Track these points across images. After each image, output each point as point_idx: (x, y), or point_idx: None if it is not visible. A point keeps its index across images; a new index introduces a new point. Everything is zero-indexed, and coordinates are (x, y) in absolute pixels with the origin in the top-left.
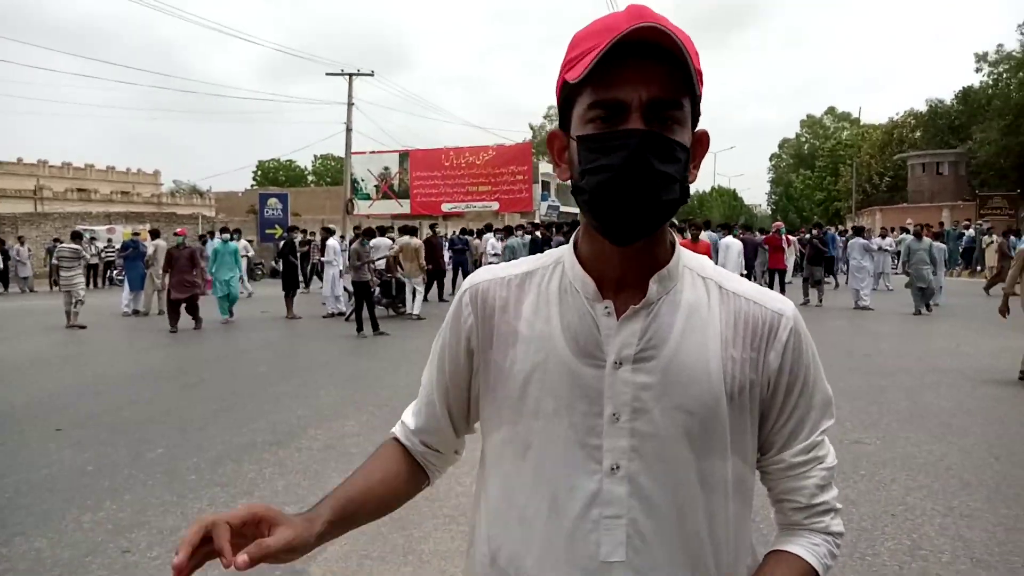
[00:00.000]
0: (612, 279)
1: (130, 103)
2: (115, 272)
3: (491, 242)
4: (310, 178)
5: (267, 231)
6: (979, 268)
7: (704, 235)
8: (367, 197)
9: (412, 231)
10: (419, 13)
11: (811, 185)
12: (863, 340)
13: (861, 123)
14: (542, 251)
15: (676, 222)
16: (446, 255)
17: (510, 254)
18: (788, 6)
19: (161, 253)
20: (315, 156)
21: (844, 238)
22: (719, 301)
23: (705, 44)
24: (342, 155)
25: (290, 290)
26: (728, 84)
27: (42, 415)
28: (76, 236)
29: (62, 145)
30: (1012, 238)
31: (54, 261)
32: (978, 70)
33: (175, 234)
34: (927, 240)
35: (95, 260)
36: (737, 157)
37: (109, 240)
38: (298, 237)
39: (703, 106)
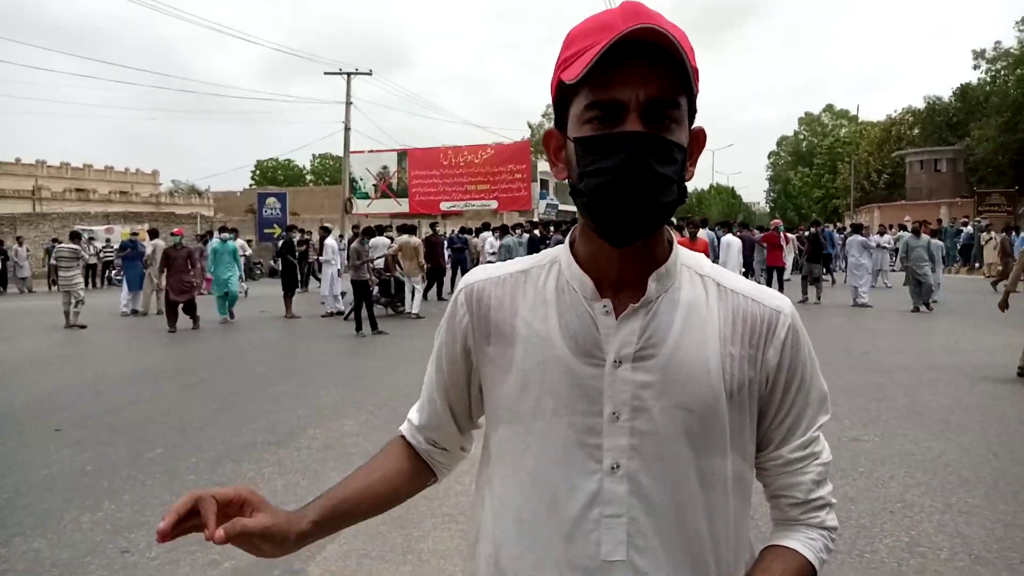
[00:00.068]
0: (610, 278)
1: (129, 103)
2: (114, 272)
3: (489, 240)
4: (309, 177)
5: (265, 231)
6: (977, 265)
7: (702, 233)
8: (366, 196)
9: (411, 230)
10: (418, 12)
11: (809, 183)
12: (862, 337)
13: (859, 121)
14: (539, 250)
15: (674, 220)
16: (446, 254)
17: (505, 253)
18: (786, 5)
19: (159, 253)
20: (313, 155)
21: (843, 235)
22: (717, 299)
23: (703, 43)
24: (341, 154)
25: (289, 290)
26: (726, 82)
27: (41, 415)
28: (75, 236)
29: (61, 145)
30: (1014, 235)
31: (53, 261)
32: (976, 67)
33: (172, 234)
34: (925, 237)
35: (94, 260)
36: (735, 155)
37: (108, 240)
38: (296, 236)
39: (700, 103)
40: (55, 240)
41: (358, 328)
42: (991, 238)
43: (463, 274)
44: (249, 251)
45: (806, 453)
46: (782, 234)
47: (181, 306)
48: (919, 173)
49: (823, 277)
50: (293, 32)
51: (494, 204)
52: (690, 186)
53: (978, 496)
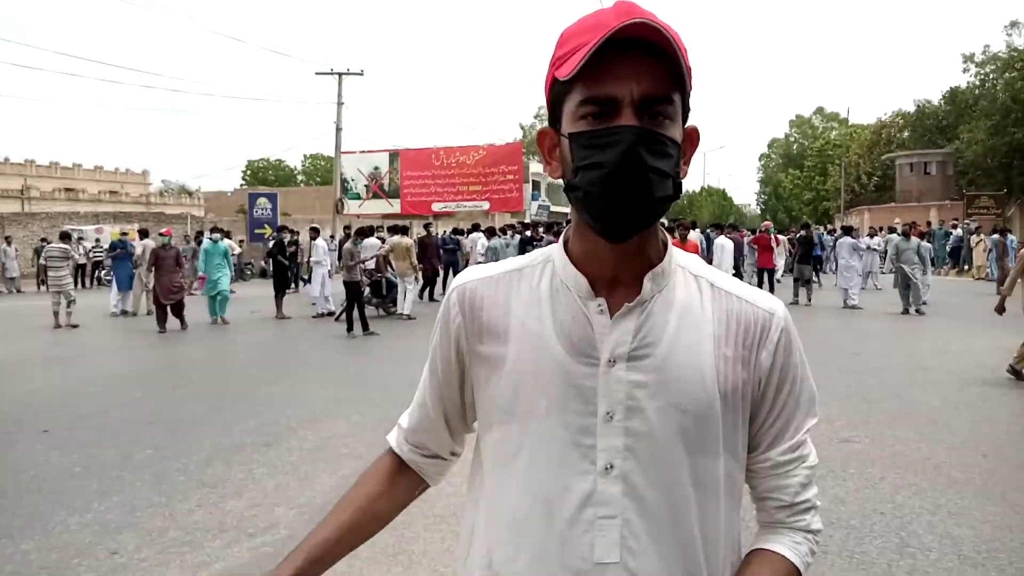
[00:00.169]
0: (605, 277)
1: (119, 102)
2: (103, 272)
3: (481, 241)
4: (300, 177)
5: (256, 231)
6: (967, 267)
7: (692, 235)
8: (357, 197)
9: (403, 230)
10: (411, 12)
11: (800, 185)
12: (852, 339)
13: (850, 123)
14: (522, 252)
15: (665, 221)
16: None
17: (492, 256)
18: (777, 5)
19: (149, 253)
20: (305, 155)
21: (833, 237)
22: (711, 299)
23: (695, 42)
24: (332, 154)
25: (280, 290)
26: (718, 83)
27: (29, 416)
28: (65, 236)
29: (50, 144)
30: (1011, 237)
31: (42, 261)
32: (965, 71)
33: (160, 234)
34: (915, 239)
35: (83, 260)
36: (727, 157)
37: (97, 240)
38: (287, 237)
39: (691, 104)
40: (44, 240)
41: (349, 329)
42: (981, 240)
43: (455, 275)
44: (238, 250)
45: (794, 456)
46: (773, 236)
47: (170, 307)
48: (909, 176)
49: (814, 279)
50: (283, 31)
51: (486, 205)
52: (683, 186)
53: (967, 497)
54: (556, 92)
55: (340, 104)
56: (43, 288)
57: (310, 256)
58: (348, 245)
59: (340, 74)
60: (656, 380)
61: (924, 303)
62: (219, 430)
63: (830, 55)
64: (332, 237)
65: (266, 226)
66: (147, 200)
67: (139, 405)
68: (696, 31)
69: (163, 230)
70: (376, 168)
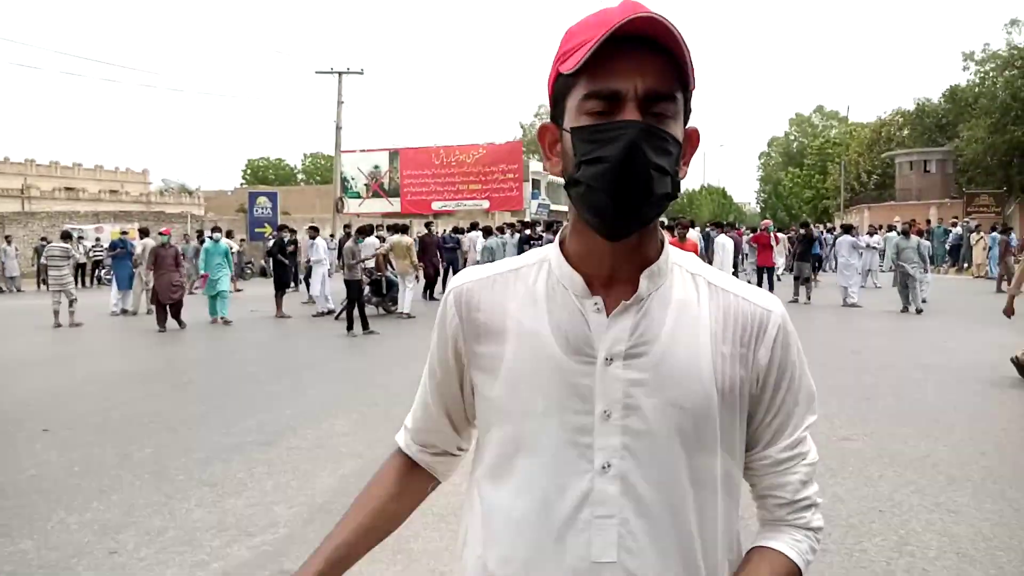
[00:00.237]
0: (601, 276)
1: (119, 101)
2: (103, 271)
3: (479, 240)
4: (300, 177)
5: (256, 230)
6: (966, 265)
7: (691, 234)
8: (357, 196)
9: (403, 229)
10: (411, 11)
11: (800, 183)
12: (851, 337)
13: (849, 122)
14: (521, 251)
15: (665, 220)
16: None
17: (488, 255)
18: (777, 4)
19: (149, 252)
20: (305, 154)
21: (833, 236)
22: (709, 297)
23: (695, 41)
24: (332, 153)
25: (280, 289)
26: (718, 82)
27: (29, 415)
28: (66, 236)
29: (50, 144)
30: (1013, 235)
31: (43, 260)
32: (965, 69)
33: (160, 233)
34: (915, 238)
35: (83, 259)
36: (726, 155)
37: (97, 239)
38: (287, 236)
39: (693, 100)
40: (44, 239)
41: (349, 327)
42: (981, 238)
43: (455, 274)
44: (236, 248)
45: (794, 453)
46: (772, 234)
47: (168, 307)
48: (909, 174)
49: (812, 277)
50: (283, 29)
51: (486, 204)
52: (682, 186)
53: (966, 495)
54: (560, 87)
55: (340, 103)
56: (44, 287)
57: (310, 256)
58: (349, 244)
59: (340, 73)
60: (653, 378)
61: (924, 301)
62: (219, 429)
63: (830, 54)
64: (332, 236)
65: (266, 225)
66: (147, 199)
67: (139, 404)
68: (697, 29)
69: (162, 229)
70: (376, 167)
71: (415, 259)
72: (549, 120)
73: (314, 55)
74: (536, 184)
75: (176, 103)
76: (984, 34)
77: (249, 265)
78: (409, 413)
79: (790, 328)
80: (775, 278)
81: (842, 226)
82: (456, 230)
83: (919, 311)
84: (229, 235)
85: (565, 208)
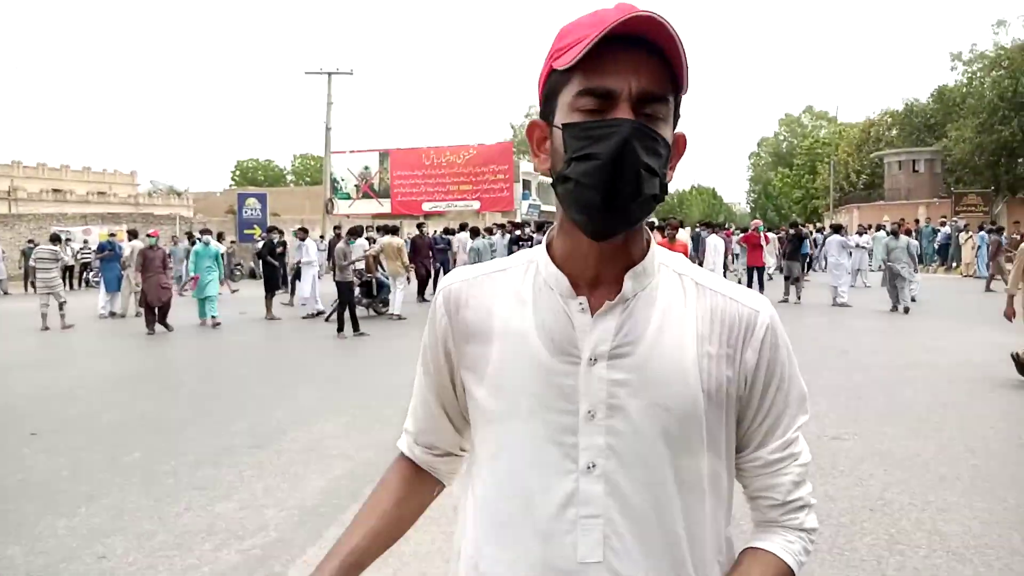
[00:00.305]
0: (587, 276)
1: (107, 102)
2: (91, 274)
3: (467, 242)
4: (289, 178)
5: (246, 231)
6: (955, 264)
7: (682, 235)
8: (347, 197)
9: (393, 230)
10: (401, 11)
11: (789, 183)
12: (841, 337)
13: (838, 122)
14: (511, 251)
15: (655, 220)
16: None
17: (475, 256)
18: (766, 6)
19: (137, 254)
20: (294, 156)
21: (823, 235)
22: (695, 298)
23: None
24: (322, 154)
25: (270, 291)
26: (708, 82)
27: (16, 419)
28: (55, 239)
29: (37, 145)
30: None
31: (32, 263)
32: (953, 69)
33: (148, 235)
34: (904, 238)
35: (71, 262)
36: (716, 155)
37: (85, 241)
38: (276, 237)
39: (684, 102)
40: (31, 241)
41: (340, 329)
42: (970, 237)
43: (446, 275)
44: (225, 249)
45: (785, 454)
46: (762, 234)
47: (156, 310)
48: (897, 174)
49: (803, 277)
50: (274, 30)
51: (476, 204)
52: (671, 187)
53: (956, 493)
54: (552, 83)
55: (330, 104)
56: (32, 290)
57: (300, 258)
58: (341, 245)
59: (330, 74)
60: (638, 378)
61: (913, 300)
62: (208, 432)
63: (819, 55)
64: (322, 237)
65: (255, 227)
66: (135, 201)
67: (127, 407)
68: (687, 29)
69: (150, 231)
70: (366, 168)
71: (406, 260)
72: (538, 117)
73: (303, 56)
74: (527, 185)
75: (164, 104)
76: (971, 35)
77: (239, 267)
78: (408, 417)
79: (779, 329)
80: (765, 278)
81: (831, 226)
82: (447, 231)
83: (906, 310)
84: (220, 237)
85: (555, 209)
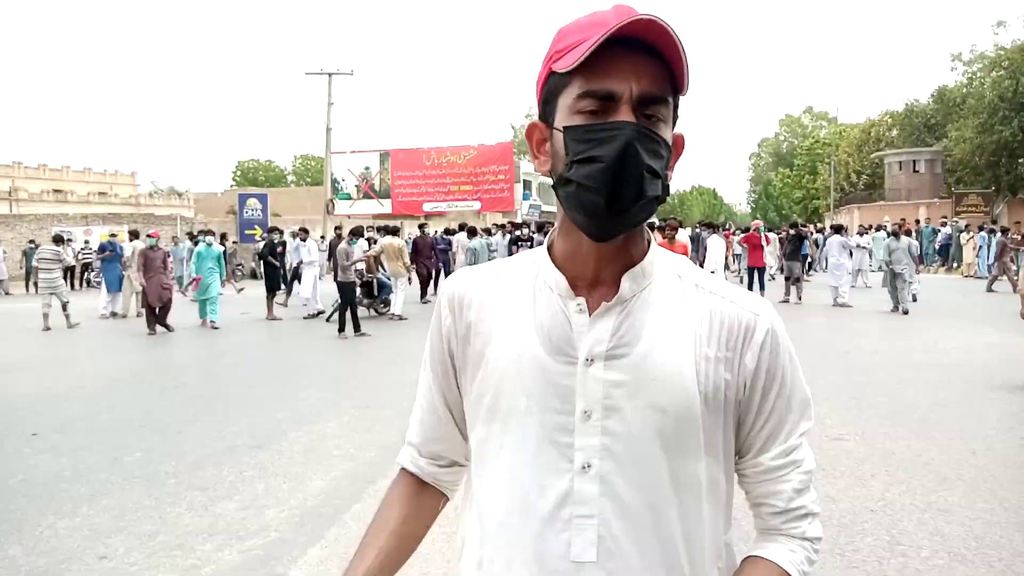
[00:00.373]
0: (586, 277)
1: (108, 103)
2: (92, 274)
3: (465, 240)
4: (290, 178)
5: (246, 232)
6: (955, 264)
7: (682, 235)
8: (348, 197)
9: (394, 231)
10: (401, 12)
11: (790, 183)
12: (842, 337)
13: (839, 122)
14: (511, 251)
15: (656, 220)
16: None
17: (471, 256)
18: (767, 5)
19: (137, 254)
20: (295, 156)
21: (824, 236)
22: (694, 300)
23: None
24: (322, 155)
25: (271, 291)
26: (709, 83)
27: (17, 419)
28: (58, 240)
29: (39, 146)
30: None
31: (34, 263)
32: (953, 69)
33: (148, 235)
34: (905, 239)
35: (72, 262)
36: (717, 156)
37: (86, 242)
38: (277, 238)
39: (683, 104)
40: (32, 242)
41: (341, 329)
42: (971, 238)
43: (447, 275)
44: (228, 247)
45: (787, 461)
46: (763, 235)
47: (157, 310)
48: (898, 174)
49: (803, 277)
50: (273, 30)
51: (477, 205)
52: (671, 187)
53: (957, 494)
54: (551, 85)
55: (330, 104)
56: (33, 290)
57: (299, 259)
58: (343, 245)
59: (330, 74)
60: (634, 380)
61: (914, 299)
62: (209, 432)
63: (820, 56)
64: (323, 238)
65: (256, 227)
66: (136, 201)
67: (128, 408)
68: (687, 30)
69: (151, 231)
70: (367, 168)
71: (407, 261)
72: (537, 119)
73: (304, 56)
74: (527, 185)
75: (165, 105)
76: (972, 35)
77: (240, 267)
78: (412, 428)
79: (780, 333)
80: (766, 278)
81: (832, 226)
82: (448, 231)
83: (905, 312)
84: (223, 238)
85: (556, 209)
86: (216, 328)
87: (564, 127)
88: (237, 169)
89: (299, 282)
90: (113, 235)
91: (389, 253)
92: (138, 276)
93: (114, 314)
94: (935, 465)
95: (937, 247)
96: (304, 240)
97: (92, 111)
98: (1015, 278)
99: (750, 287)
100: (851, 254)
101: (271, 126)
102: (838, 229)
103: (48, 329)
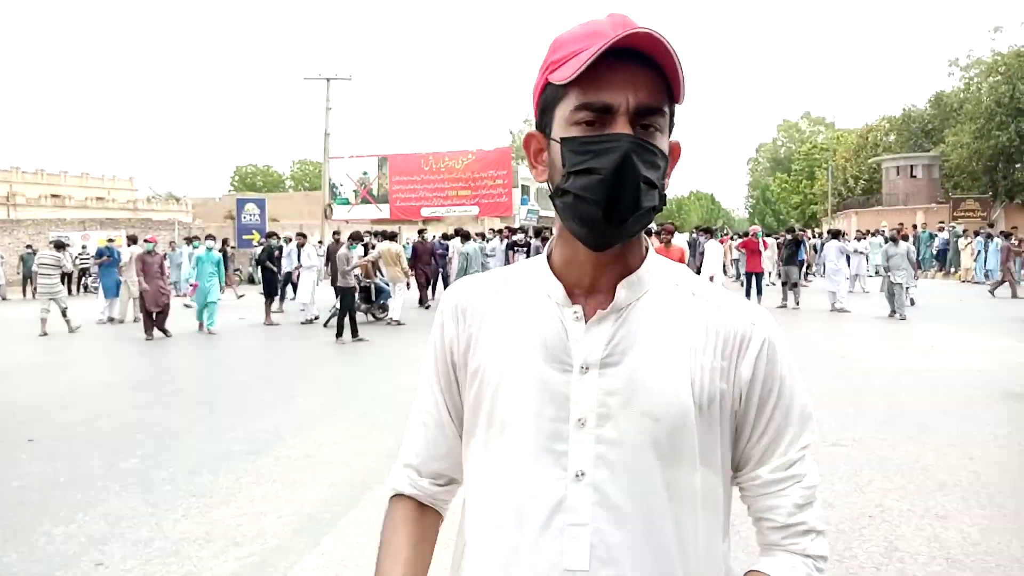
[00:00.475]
0: (583, 284)
1: (106, 108)
2: (90, 279)
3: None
4: (288, 183)
5: (244, 237)
6: (953, 269)
7: (678, 239)
8: (346, 202)
9: (392, 236)
10: (400, 17)
11: (787, 188)
12: (839, 342)
13: (836, 127)
14: (507, 256)
15: (653, 226)
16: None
17: (464, 260)
18: (765, 11)
19: (135, 259)
20: (293, 161)
21: (822, 241)
22: (691, 308)
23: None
24: (320, 160)
25: (269, 296)
26: (707, 89)
27: (13, 425)
28: (60, 246)
29: (37, 151)
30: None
31: (34, 268)
32: (950, 75)
33: (146, 240)
34: (903, 244)
35: (70, 268)
36: (714, 161)
37: (84, 247)
38: (275, 242)
39: (681, 110)
40: (29, 247)
41: (339, 334)
42: (969, 243)
43: (444, 280)
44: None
45: (786, 474)
46: (761, 240)
47: (154, 315)
48: (895, 179)
49: (803, 283)
50: (271, 34)
51: (475, 210)
52: (669, 193)
53: (955, 500)
54: (548, 96)
55: (328, 109)
56: (33, 296)
57: (299, 263)
58: (343, 250)
59: (328, 79)
60: (628, 388)
61: (912, 303)
62: (206, 439)
63: (817, 62)
64: (320, 243)
65: (254, 232)
66: (134, 206)
67: (125, 414)
68: (686, 36)
69: (148, 237)
70: (365, 173)
71: (405, 266)
72: (535, 128)
73: (302, 61)
74: (525, 190)
75: (163, 110)
76: (969, 41)
77: (237, 272)
78: (408, 448)
79: (778, 343)
80: (765, 284)
81: (830, 231)
82: (446, 236)
83: (903, 317)
84: (224, 243)
85: (554, 215)
86: (213, 334)
87: (561, 138)
88: (235, 174)
89: (292, 288)
90: (111, 240)
91: (387, 258)
92: (138, 280)
93: (111, 319)
94: (933, 471)
95: (934, 252)
96: (302, 245)
97: (90, 116)
98: (1016, 283)
99: (748, 292)
100: (849, 259)
101: (269, 131)
102: (836, 234)
103: (45, 334)
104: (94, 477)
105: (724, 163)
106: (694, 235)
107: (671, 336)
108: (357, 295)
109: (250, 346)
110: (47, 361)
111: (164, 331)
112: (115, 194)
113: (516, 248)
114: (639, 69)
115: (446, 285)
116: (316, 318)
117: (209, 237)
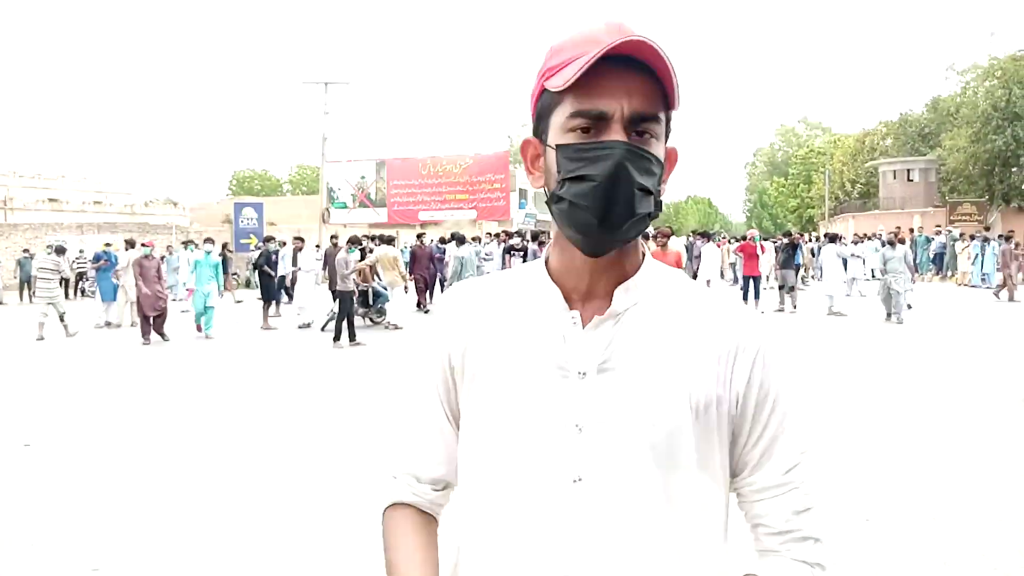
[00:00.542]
0: (580, 290)
1: (104, 112)
2: (87, 283)
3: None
4: (286, 188)
5: (242, 241)
6: (950, 273)
7: (675, 243)
8: (343, 206)
9: (389, 240)
10: (398, 22)
11: (785, 192)
12: (835, 346)
13: (833, 131)
14: (504, 260)
15: (650, 230)
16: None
17: (458, 265)
18: (762, 16)
19: (133, 264)
20: (291, 166)
21: (819, 244)
22: (687, 313)
23: (681, 53)
24: (318, 164)
25: (267, 300)
26: (704, 93)
27: (9, 430)
28: (60, 251)
29: (34, 155)
30: (1001, 243)
31: (33, 272)
32: (947, 79)
33: (143, 244)
34: (901, 248)
35: (68, 273)
36: (712, 165)
37: (81, 251)
38: (272, 247)
39: (679, 115)
40: (26, 251)
41: (336, 338)
42: (967, 246)
43: (441, 284)
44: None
45: (783, 481)
46: (759, 244)
47: (152, 319)
48: (892, 183)
49: (798, 285)
50: (270, 40)
51: (473, 214)
52: (666, 198)
53: (955, 507)
54: (544, 103)
55: (326, 113)
56: (31, 300)
57: (295, 267)
58: (342, 254)
59: (326, 83)
60: (624, 393)
61: (909, 307)
62: (203, 444)
63: (814, 67)
64: (317, 247)
65: (252, 236)
66: (132, 210)
67: (122, 418)
68: (683, 41)
69: (145, 241)
70: (362, 177)
71: (403, 270)
72: (532, 134)
73: (301, 66)
74: (523, 194)
75: (161, 114)
76: (965, 45)
77: (235, 276)
78: (402, 460)
79: (773, 348)
80: (762, 287)
81: (827, 235)
82: (443, 240)
83: (900, 321)
84: (224, 247)
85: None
86: (210, 338)
87: (557, 145)
88: (233, 178)
89: (286, 293)
90: (108, 244)
91: (384, 262)
92: (136, 284)
93: (108, 324)
94: (931, 477)
95: (931, 256)
96: (299, 249)
97: (88, 120)
98: (1015, 287)
99: (745, 296)
100: (845, 263)
101: (267, 136)
102: (833, 238)
103: (42, 339)
104: (90, 483)
105: (721, 167)
106: (691, 239)
107: (668, 341)
108: (355, 299)
109: (247, 350)
110: (44, 366)
111: (162, 335)
112: (112, 198)
113: (513, 252)
114: (634, 76)
115: (443, 289)
116: (309, 324)
117: (208, 241)
